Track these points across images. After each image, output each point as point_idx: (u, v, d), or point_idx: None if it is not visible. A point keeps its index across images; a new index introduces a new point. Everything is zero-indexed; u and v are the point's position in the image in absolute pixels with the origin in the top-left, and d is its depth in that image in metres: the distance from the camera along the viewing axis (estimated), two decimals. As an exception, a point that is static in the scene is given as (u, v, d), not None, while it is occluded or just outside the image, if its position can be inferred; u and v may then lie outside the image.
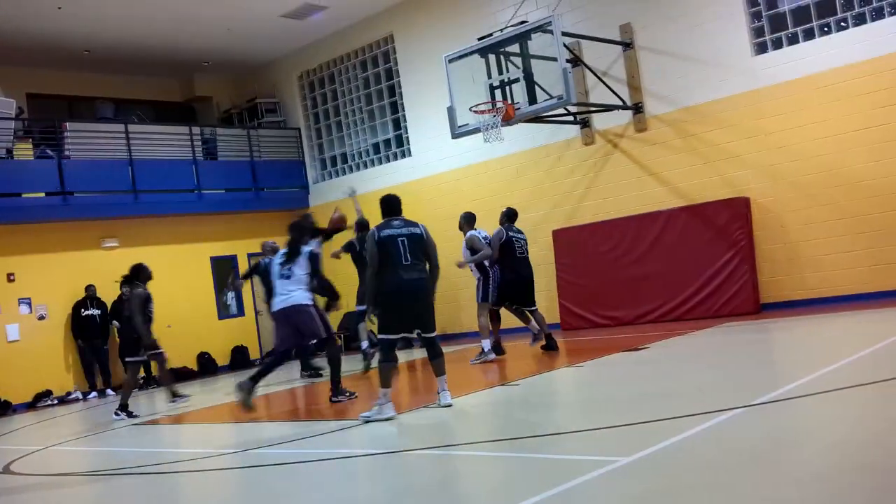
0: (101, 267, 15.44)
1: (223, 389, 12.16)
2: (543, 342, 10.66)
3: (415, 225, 7.46)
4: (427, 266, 7.43)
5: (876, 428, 4.61)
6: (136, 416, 10.20)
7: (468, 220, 11.22)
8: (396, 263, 7.21)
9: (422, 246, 7.38)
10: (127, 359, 10.57)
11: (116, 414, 10.19)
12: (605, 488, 4.10)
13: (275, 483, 5.37)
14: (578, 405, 7.11)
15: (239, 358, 16.98)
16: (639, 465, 4.36)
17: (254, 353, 17.44)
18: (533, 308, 10.74)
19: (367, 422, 6.99)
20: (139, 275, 10.48)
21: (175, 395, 10.86)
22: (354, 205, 12.66)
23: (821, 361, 6.80)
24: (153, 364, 15.44)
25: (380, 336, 7.36)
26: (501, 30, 11.97)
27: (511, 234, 10.72)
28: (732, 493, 3.72)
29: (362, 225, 11.77)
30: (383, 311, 7.36)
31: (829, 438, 4.54)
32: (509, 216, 11.01)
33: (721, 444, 4.68)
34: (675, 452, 4.56)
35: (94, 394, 14.65)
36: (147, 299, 10.33)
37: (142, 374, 15.30)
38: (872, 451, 4.15)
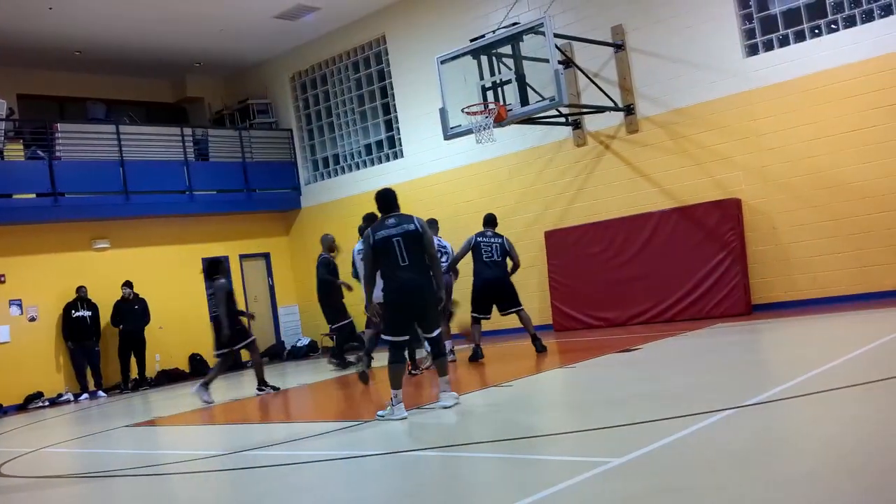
0: (92, 268, 15.41)
1: (218, 391, 12.11)
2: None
3: (409, 221, 7.21)
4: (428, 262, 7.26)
5: (866, 429, 4.64)
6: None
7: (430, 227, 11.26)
8: (394, 265, 7.10)
9: (419, 243, 7.17)
10: (237, 346, 10.85)
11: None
12: (597, 489, 4.11)
13: (266, 485, 5.37)
14: (570, 406, 7.13)
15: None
16: (631, 466, 4.37)
17: (245, 355, 17.34)
18: (518, 308, 10.68)
19: (381, 419, 7.03)
20: (218, 268, 10.91)
21: (263, 385, 10.99)
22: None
23: (811, 362, 6.83)
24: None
25: (385, 338, 7.32)
26: (493, 31, 11.99)
27: (480, 238, 10.75)
28: (724, 494, 3.74)
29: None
30: (387, 314, 7.33)
31: (819, 439, 4.56)
32: (486, 221, 11.04)
33: (713, 444, 4.69)
34: (667, 453, 4.58)
35: (85, 395, 14.59)
36: (230, 291, 10.76)
37: (134, 375, 15.31)
38: (863, 451, 4.17)
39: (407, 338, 7.35)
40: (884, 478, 3.68)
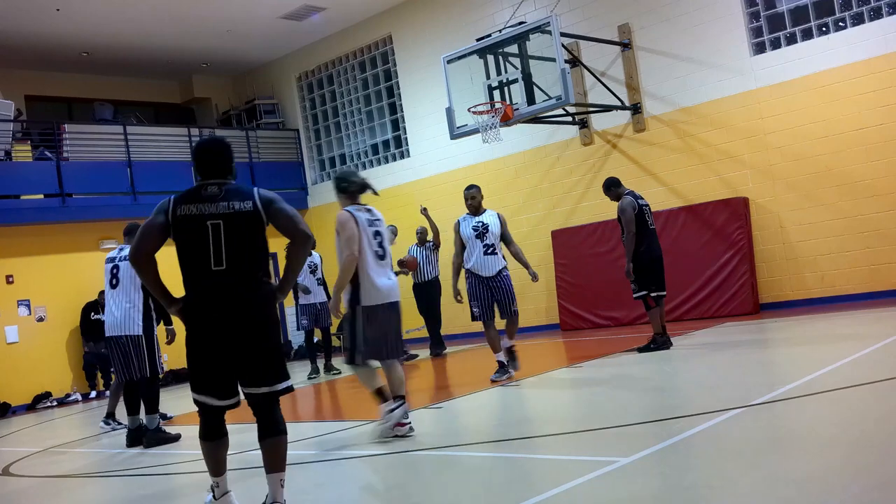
0: (100, 269, 15.40)
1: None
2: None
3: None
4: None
5: (872, 428, 4.62)
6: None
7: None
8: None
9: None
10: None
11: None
12: (604, 489, 4.11)
13: (263, 486, 5.36)
14: (578, 405, 7.12)
15: (238, 359, 16.94)
16: (638, 466, 4.36)
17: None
18: (664, 294, 9.14)
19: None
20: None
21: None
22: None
23: (819, 362, 6.81)
24: None
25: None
26: (500, 30, 11.99)
27: (641, 202, 9.05)
28: (731, 494, 3.73)
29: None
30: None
31: (827, 438, 4.54)
32: (616, 181, 9.21)
33: (720, 444, 4.68)
34: (674, 452, 4.57)
35: (93, 395, 14.62)
36: None
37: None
38: (868, 450, 4.16)
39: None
40: (891, 477, 3.66)
